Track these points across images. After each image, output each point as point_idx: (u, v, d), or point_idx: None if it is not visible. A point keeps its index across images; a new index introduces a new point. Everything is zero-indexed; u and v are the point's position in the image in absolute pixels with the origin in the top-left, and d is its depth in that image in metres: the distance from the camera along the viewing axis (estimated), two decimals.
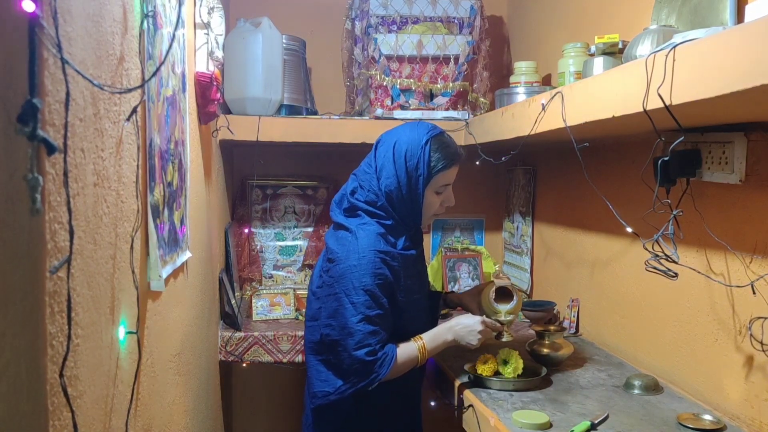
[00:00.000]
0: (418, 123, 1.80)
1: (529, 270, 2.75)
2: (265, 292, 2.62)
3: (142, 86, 1.14)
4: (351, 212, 1.73)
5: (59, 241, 0.77)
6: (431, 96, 2.64)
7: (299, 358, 2.36)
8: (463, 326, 1.74)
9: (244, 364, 2.43)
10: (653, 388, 1.70)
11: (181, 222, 1.54)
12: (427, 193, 1.70)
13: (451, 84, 2.63)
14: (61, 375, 0.77)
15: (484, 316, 1.79)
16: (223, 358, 2.36)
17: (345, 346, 1.60)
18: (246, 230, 2.86)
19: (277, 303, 2.58)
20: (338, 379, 1.66)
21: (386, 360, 1.61)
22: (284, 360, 2.38)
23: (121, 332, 1.06)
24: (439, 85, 2.62)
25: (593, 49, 1.77)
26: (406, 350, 1.69)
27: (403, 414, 1.84)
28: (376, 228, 1.68)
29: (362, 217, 1.70)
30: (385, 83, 2.58)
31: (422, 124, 1.78)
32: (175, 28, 1.44)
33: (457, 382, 1.79)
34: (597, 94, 1.42)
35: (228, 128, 2.34)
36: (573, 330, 2.28)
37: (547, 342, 1.89)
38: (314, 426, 1.79)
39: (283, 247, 2.91)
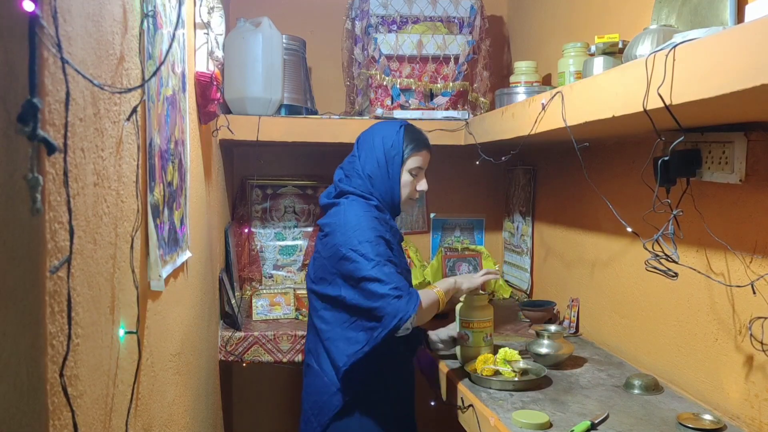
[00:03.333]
0: (391, 120, 2.06)
1: (529, 270, 2.76)
2: (265, 291, 2.61)
3: (142, 86, 1.14)
4: (339, 196, 1.89)
5: (59, 241, 0.77)
6: (431, 96, 2.64)
7: (299, 357, 2.36)
8: (464, 275, 1.96)
9: (244, 364, 2.43)
10: (653, 388, 1.70)
11: (181, 222, 1.54)
12: (402, 171, 1.89)
13: (451, 84, 2.63)
14: (61, 375, 0.77)
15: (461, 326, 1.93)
16: (223, 358, 2.36)
17: (370, 291, 1.68)
18: (246, 230, 2.86)
19: (277, 303, 2.58)
20: (363, 332, 1.73)
21: (412, 298, 1.68)
22: (284, 360, 2.38)
23: (121, 332, 1.06)
24: (439, 85, 2.62)
25: (593, 49, 1.77)
26: (427, 294, 1.78)
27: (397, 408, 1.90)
28: (365, 203, 1.85)
29: (349, 197, 1.86)
30: (385, 83, 2.58)
31: (395, 120, 2.08)
32: (175, 28, 1.44)
33: (457, 382, 1.79)
34: (597, 94, 1.42)
35: (228, 128, 2.34)
36: (573, 330, 2.28)
37: (547, 342, 1.89)
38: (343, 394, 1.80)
39: (283, 246, 2.91)
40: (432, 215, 3.11)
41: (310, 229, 2.94)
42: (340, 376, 1.78)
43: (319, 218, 1.94)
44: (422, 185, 1.93)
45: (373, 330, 1.70)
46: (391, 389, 1.86)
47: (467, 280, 1.90)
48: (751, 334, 1.44)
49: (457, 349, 1.94)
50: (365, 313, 1.71)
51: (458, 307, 1.95)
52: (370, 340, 1.71)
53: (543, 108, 1.68)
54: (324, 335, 1.82)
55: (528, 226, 2.77)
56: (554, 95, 1.61)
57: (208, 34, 1.90)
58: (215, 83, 1.89)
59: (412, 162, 1.89)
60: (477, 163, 2.17)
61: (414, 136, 1.90)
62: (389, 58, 2.59)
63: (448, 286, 1.85)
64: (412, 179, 1.90)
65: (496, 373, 1.76)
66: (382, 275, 1.67)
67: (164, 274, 1.31)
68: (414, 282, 2.82)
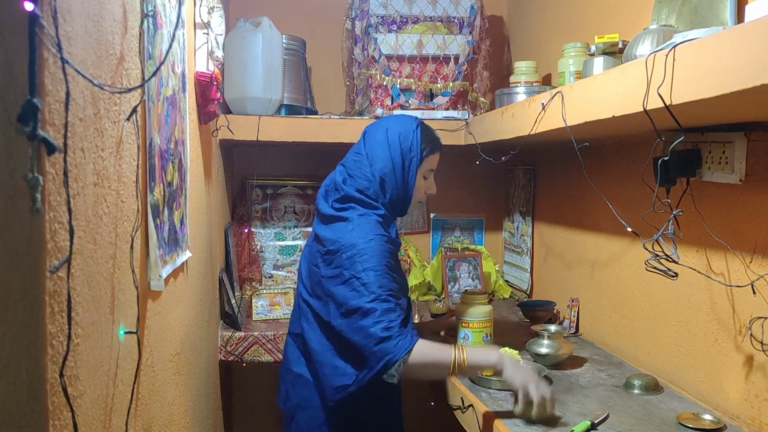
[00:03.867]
0: (401, 115, 1.86)
1: (529, 270, 2.76)
2: (265, 291, 2.61)
3: (142, 86, 1.14)
4: (343, 202, 1.71)
5: (59, 241, 0.77)
6: (431, 96, 2.64)
7: None
8: (517, 361, 1.58)
9: (244, 364, 2.43)
10: (653, 388, 1.70)
11: (181, 222, 1.54)
12: (417, 175, 1.75)
13: (451, 84, 2.63)
14: (61, 375, 0.77)
15: None
16: (223, 358, 2.36)
17: (359, 326, 1.53)
18: (246, 230, 2.86)
19: (277, 303, 2.58)
20: (351, 366, 1.59)
21: (404, 340, 1.50)
22: None
23: (121, 332, 1.06)
24: (439, 85, 2.62)
25: (593, 49, 1.77)
26: (438, 347, 1.56)
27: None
28: (374, 217, 1.68)
29: (356, 209, 1.69)
30: (385, 83, 2.58)
31: (407, 116, 1.86)
32: (175, 28, 1.44)
33: (458, 382, 1.79)
34: (597, 94, 1.42)
35: (228, 128, 2.34)
36: (573, 330, 2.28)
37: (546, 342, 1.89)
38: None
39: (283, 246, 2.91)
40: (432, 215, 3.11)
41: (310, 228, 2.93)
42: (326, 405, 1.67)
43: (318, 223, 1.77)
44: (432, 188, 1.82)
45: (360, 368, 1.56)
46: (381, 402, 1.77)
47: (517, 370, 1.52)
48: (751, 334, 1.44)
49: None
50: (352, 348, 1.57)
51: (458, 307, 1.95)
52: (355, 381, 1.57)
53: (543, 108, 1.68)
54: (315, 356, 1.68)
55: (528, 226, 2.77)
56: (554, 95, 1.61)
57: (208, 34, 1.90)
58: (215, 83, 1.89)
59: (428, 164, 1.77)
60: (477, 163, 2.17)
61: (430, 136, 1.78)
62: (389, 58, 2.59)
63: (478, 355, 1.56)
64: (424, 182, 1.78)
65: (497, 373, 1.75)
66: (378, 310, 1.52)
67: (164, 274, 1.31)
68: (413, 282, 2.82)
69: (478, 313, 1.90)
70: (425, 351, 1.52)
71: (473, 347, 1.73)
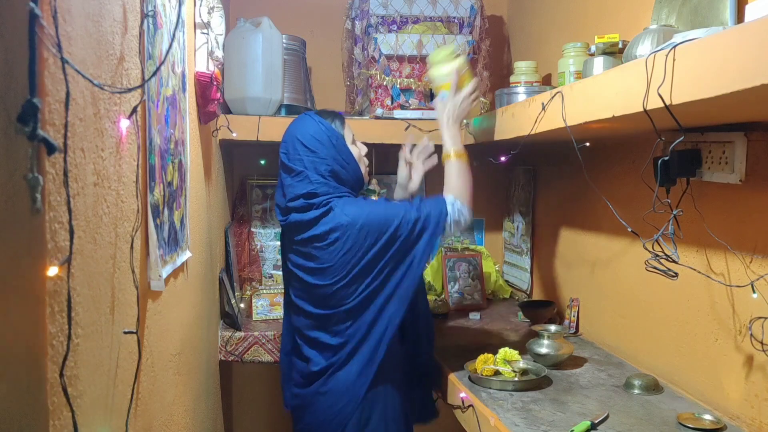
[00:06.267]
0: (296, 119, 1.92)
1: (529, 270, 2.76)
2: (265, 291, 2.61)
3: (142, 86, 1.14)
4: (318, 206, 1.76)
5: (59, 241, 0.77)
6: (431, 95, 2.64)
7: None
8: (454, 108, 1.90)
9: (244, 364, 2.43)
10: (653, 388, 1.70)
11: (181, 222, 1.54)
12: (350, 148, 1.87)
13: None
14: (61, 375, 0.77)
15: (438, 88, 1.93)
16: (223, 358, 2.36)
17: (400, 217, 1.73)
18: (246, 230, 2.86)
19: (277, 303, 2.57)
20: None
21: (433, 198, 1.82)
22: None
23: (121, 332, 1.06)
24: None
25: (593, 49, 1.77)
26: (451, 171, 1.88)
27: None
28: (350, 198, 1.82)
29: (334, 199, 1.78)
30: (385, 83, 2.58)
31: (299, 117, 1.92)
32: (175, 28, 1.44)
33: (458, 382, 1.79)
34: (597, 94, 1.42)
35: (228, 128, 2.34)
36: (573, 330, 2.28)
37: (546, 342, 1.89)
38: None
39: None
40: None
41: None
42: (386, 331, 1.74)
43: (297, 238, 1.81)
44: (364, 149, 1.94)
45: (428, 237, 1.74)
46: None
47: (453, 109, 1.89)
48: (751, 334, 1.44)
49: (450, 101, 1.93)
50: (412, 230, 1.73)
51: (429, 71, 1.95)
52: (422, 254, 1.74)
53: (543, 108, 1.68)
54: (355, 327, 1.75)
55: (528, 226, 2.77)
56: (554, 95, 1.61)
57: (208, 34, 1.90)
58: (215, 83, 1.89)
59: (347, 133, 1.88)
60: (475, 163, 2.17)
61: (328, 113, 1.89)
62: (389, 58, 2.59)
63: (452, 138, 1.87)
64: (356, 148, 1.90)
65: (496, 373, 1.76)
66: (396, 205, 1.78)
67: (164, 274, 1.31)
68: None
69: (450, 70, 1.88)
70: (455, 176, 1.89)
71: (445, 139, 1.90)
